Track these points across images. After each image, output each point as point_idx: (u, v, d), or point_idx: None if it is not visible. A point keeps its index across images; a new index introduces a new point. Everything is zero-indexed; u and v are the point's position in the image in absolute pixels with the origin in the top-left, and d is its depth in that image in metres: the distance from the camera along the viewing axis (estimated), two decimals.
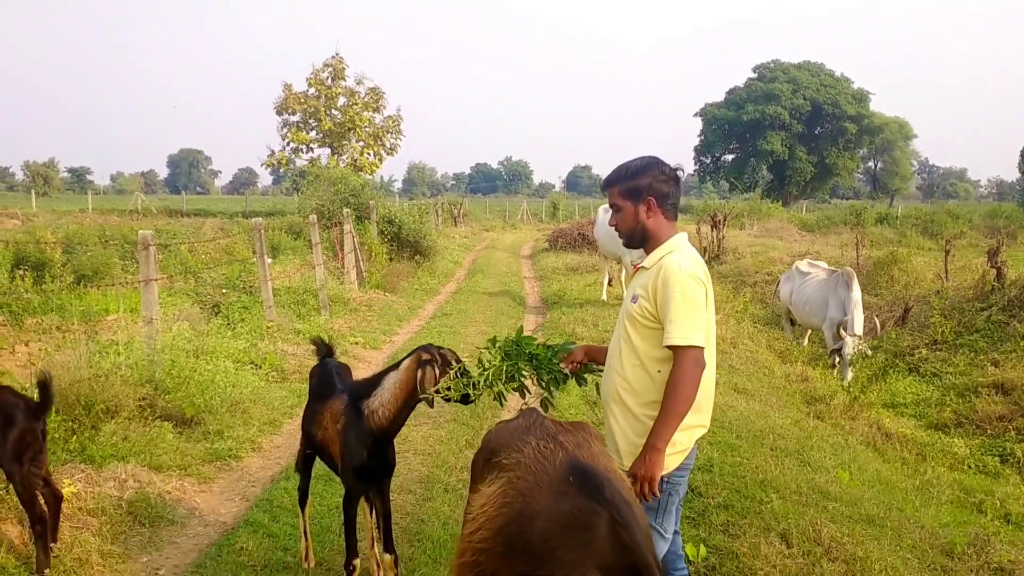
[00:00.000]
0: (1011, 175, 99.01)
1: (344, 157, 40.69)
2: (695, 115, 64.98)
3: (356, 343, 10.59)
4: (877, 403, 9.12)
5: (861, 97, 61.34)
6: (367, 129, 40.98)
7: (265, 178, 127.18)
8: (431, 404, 3.69)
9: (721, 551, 4.49)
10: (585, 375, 3.63)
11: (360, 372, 7.36)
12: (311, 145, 41.33)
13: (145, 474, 5.44)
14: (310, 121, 40.78)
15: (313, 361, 4.79)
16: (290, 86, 40.20)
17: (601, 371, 3.48)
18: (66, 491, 4.69)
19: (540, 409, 3.26)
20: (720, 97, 64.27)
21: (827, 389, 9.37)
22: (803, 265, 12.04)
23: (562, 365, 3.57)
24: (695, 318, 3.03)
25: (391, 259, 17.38)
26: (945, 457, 7.51)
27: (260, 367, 8.58)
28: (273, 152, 41.42)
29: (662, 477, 3.06)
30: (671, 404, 2.99)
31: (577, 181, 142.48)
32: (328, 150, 41.31)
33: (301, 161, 41.58)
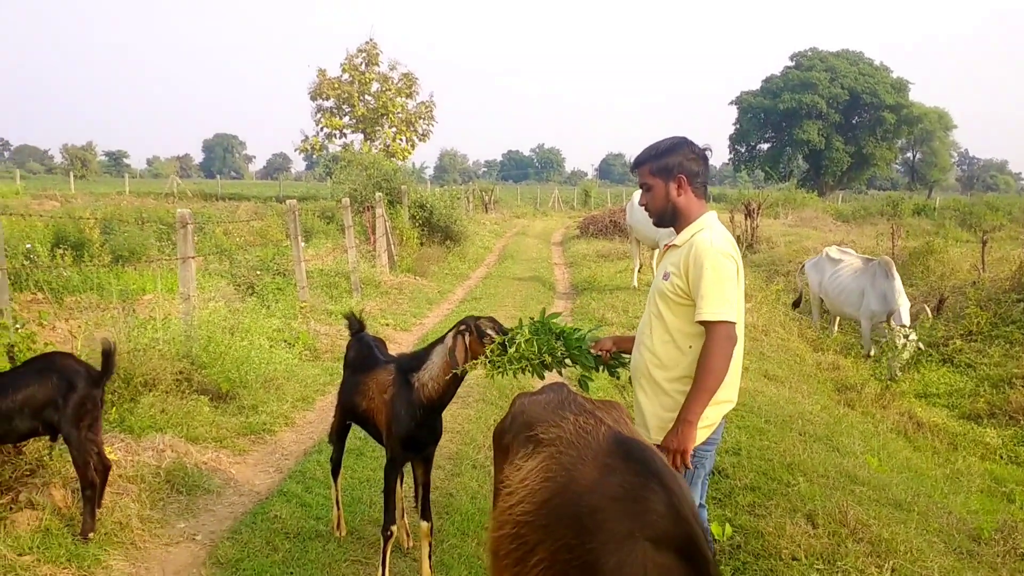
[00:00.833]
0: None
1: (377, 143, 40.87)
2: (730, 103, 64.37)
3: (387, 324, 10.71)
4: (909, 392, 9.06)
5: (900, 86, 60.18)
6: (400, 115, 41.14)
7: (299, 163, 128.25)
8: (461, 376, 3.74)
9: (746, 530, 4.52)
10: (617, 368, 3.64)
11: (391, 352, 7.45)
12: (344, 131, 41.64)
13: (182, 445, 5.58)
14: (343, 107, 41.04)
15: (345, 340, 4.86)
16: (324, 71, 40.47)
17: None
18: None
19: (570, 385, 3.30)
20: (756, 86, 63.61)
21: (859, 378, 9.30)
22: (833, 252, 11.64)
23: (593, 349, 3.60)
24: (727, 294, 3.05)
25: (422, 243, 17.50)
26: (977, 447, 7.45)
27: (293, 346, 8.73)
28: (307, 137, 41.84)
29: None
30: (704, 378, 3.03)
31: (610, 169, 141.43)
32: (361, 136, 41.58)
33: (334, 147, 41.94)
